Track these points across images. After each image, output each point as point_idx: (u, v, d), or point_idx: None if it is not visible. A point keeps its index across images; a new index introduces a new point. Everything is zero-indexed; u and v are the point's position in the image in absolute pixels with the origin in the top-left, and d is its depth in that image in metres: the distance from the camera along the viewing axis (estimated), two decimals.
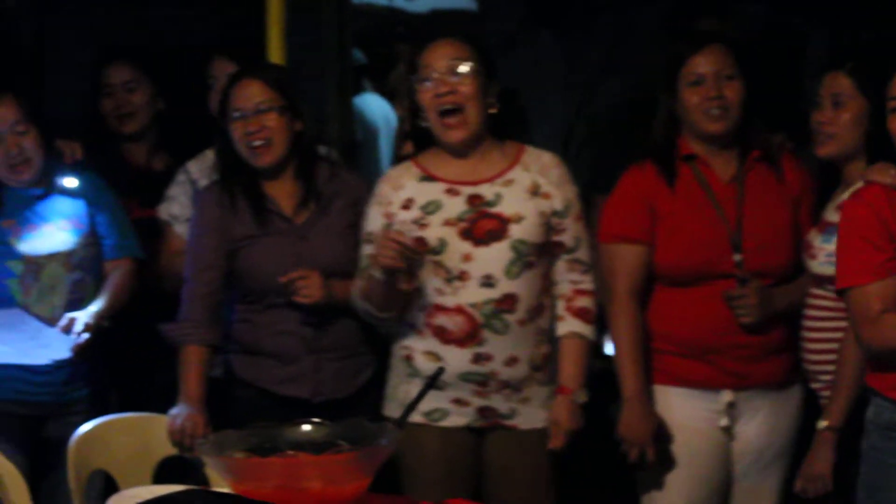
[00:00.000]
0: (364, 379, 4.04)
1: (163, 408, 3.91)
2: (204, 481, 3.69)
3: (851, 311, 3.38)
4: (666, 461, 3.88)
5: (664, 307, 3.88)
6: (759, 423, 3.89)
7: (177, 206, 4.34)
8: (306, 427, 3.05)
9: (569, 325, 3.85)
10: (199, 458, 3.74)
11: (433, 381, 3.26)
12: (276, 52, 4.26)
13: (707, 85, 3.81)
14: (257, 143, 3.90)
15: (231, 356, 4.02)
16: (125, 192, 4.34)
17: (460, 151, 3.79)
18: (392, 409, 3.82)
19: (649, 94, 3.99)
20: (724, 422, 3.86)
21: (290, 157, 3.96)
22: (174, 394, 4.17)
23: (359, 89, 6.44)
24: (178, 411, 3.81)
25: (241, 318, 3.99)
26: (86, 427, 3.69)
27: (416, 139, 3.87)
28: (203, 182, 4.27)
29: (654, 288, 3.90)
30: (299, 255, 3.92)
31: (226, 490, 3.04)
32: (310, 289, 3.84)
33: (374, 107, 6.61)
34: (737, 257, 3.80)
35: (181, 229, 4.29)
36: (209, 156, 4.35)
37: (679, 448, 3.88)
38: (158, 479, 3.71)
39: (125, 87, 4.63)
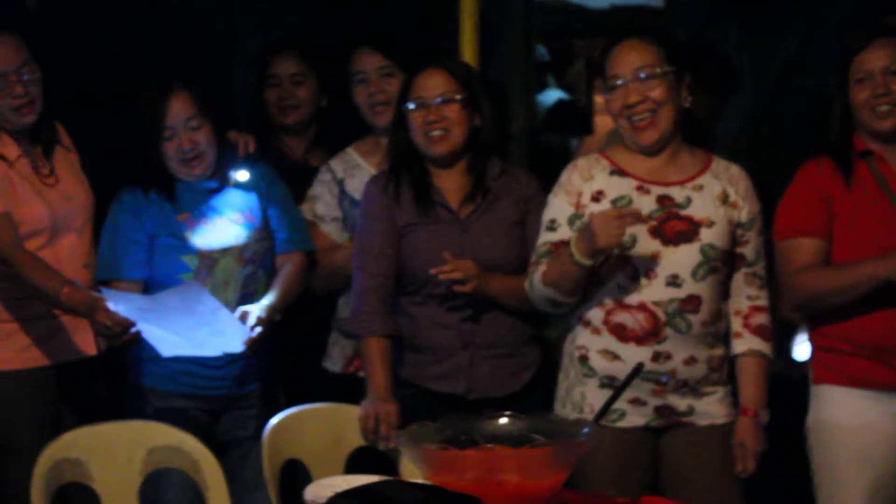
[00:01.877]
0: (525, 380, 4.02)
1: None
2: (394, 472, 3.72)
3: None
4: (841, 464, 3.81)
5: (842, 306, 3.80)
6: None
7: (321, 206, 4.34)
8: (502, 420, 3.05)
9: (747, 343, 3.81)
10: (390, 449, 3.79)
11: (633, 378, 3.23)
12: (468, 46, 4.24)
13: (874, 81, 3.75)
14: (435, 132, 3.91)
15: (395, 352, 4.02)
16: None
17: (651, 151, 3.77)
18: (566, 412, 3.79)
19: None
20: None
21: (465, 150, 3.97)
22: (340, 388, 4.23)
23: (542, 85, 6.43)
24: (368, 402, 3.82)
25: (403, 311, 3.99)
26: (279, 416, 3.73)
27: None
28: (347, 180, 4.29)
29: None
30: (460, 248, 3.91)
31: (422, 481, 3.07)
32: (465, 276, 3.82)
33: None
34: None
35: (327, 228, 4.30)
36: (350, 153, 4.37)
37: (855, 451, 3.81)
38: (350, 469, 3.74)
39: (291, 79, 4.65)
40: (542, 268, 3.75)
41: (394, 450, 3.79)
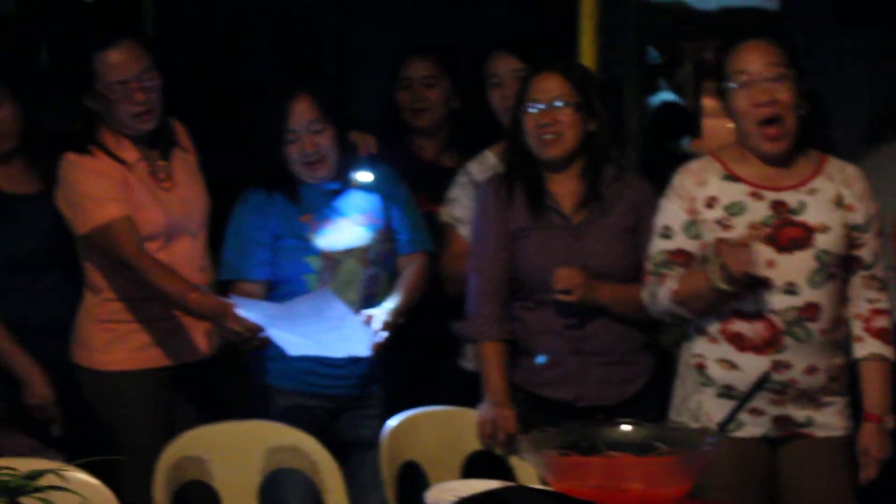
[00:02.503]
0: (636, 388, 3.99)
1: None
2: (511, 476, 3.72)
3: None
4: None
5: None
6: None
7: (459, 209, 4.33)
8: (624, 427, 3.04)
9: (869, 347, 3.74)
10: (507, 453, 3.79)
11: (759, 387, 3.20)
12: (587, 48, 4.22)
13: None
14: (548, 135, 3.89)
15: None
16: (413, 186, 4.38)
17: (775, 160, 3.73)
18: (682, 421, 3.74)
19: None
20: None
21: (578, 155, 3.95)
22: (459, 390, 4.23)
23: (654, 88, 6.40)
24: (487, 406, 3.82)
25: (515, 316, 3.97)
26: (398, 419, 3.74)
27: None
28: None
29: None
30: (572, 254, 3.89)
31: (543, 487, 3.07)
32: (570, 286, 3.81)
33: None
34: None
35: (464, 231, 4.28)
36: (489, 157, 4.36)
37: None
38: (467, 472, 3.75)
39: (424, 81, 4.67)
40: (669, 283, 3.70)
41: (510, 454, 3.78)
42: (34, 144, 4.24)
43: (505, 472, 3.76)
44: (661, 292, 3.72)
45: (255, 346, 3.83)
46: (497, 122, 4.34)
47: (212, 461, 3.54)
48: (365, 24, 6.32)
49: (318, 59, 6.33)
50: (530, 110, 3.90)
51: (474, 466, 3.80)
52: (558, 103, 3.88)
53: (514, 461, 3.79)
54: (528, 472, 3.68)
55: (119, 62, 3.97)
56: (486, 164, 4.32)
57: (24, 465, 2.34)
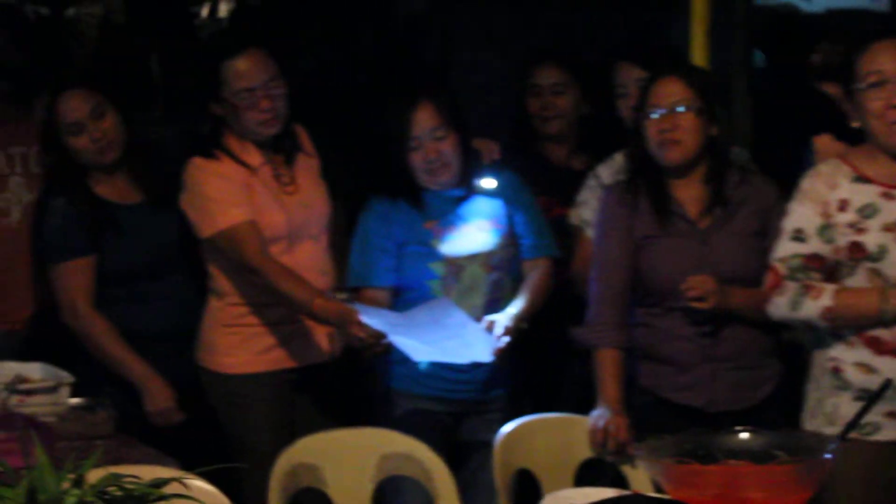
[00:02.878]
0: (765, 392, 3.95)
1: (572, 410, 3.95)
2: (624, 484, 3.69)
3: None
4: None
5: None
6: None
7: (588, 211, 4.32)
8: (743, 435, 3.00)
9: None
10: (620, 461, 3.76)
11: (881, 394, 3.14)
12: (698, 52, 4.19)
13: None
14: (669, 141, 3.86)
15: (630, 361, 3.98)
16: (545, 190, 4.38)
17: None
18: (816, 424, 3.69)
19: None
20: None
21: (700, 160, 3.91)
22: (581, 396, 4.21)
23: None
24: (599, 414, 3.80)
25: (641, 321, 3.96)
26: (510, 426, 3.73)
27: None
28: None
29: None
30: (700, 260, 3.86)
31: (659, 495, 3.03)
32: (703, 291, 3.77)
33: None
34: None
35: (593, 234, 4.27)
36: (618, 159, 4.34)
37: None
38: (579, 480, 3.72)
39: (553, 89, 4.69)
40: (823, 299, 3.61)
41: (623, 462, 3.76)
42: (138, 154, 4.29)
43: (618, 479, 3.74)
44: (809, 304, 3.62)
45: (378, 352, 3.84)
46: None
47: (325, 468, 3.55)
48: (468, 34, 6.33)
49: (427, 66, 6.34)
50: (652, 116, 3.87)
51: (586, 474, 3.79)
52: (679, 108, 3.85)
53: (627, 469, 3.76)
54: (641, 479, 3.66)
55: (246, 70, 4.03)
56: (615, 167, 4.30)
57: (145, 472, 2.35)
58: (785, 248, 3.69)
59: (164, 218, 4.21)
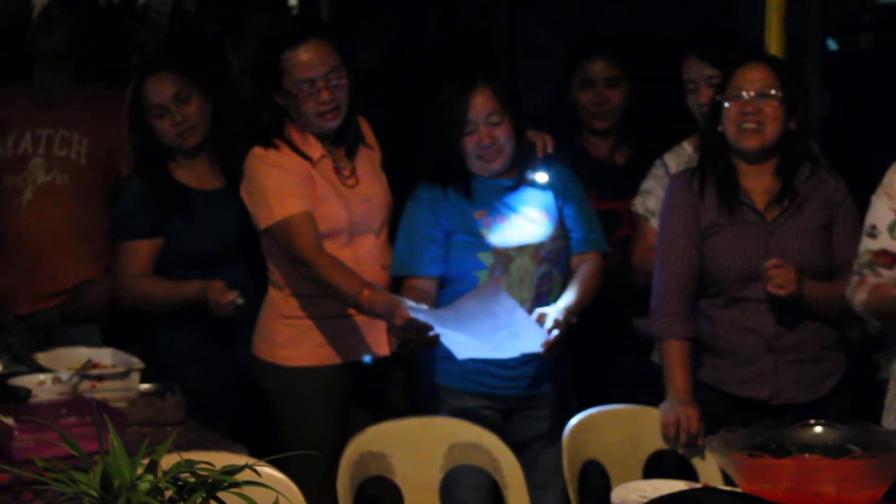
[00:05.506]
0: (829, 386, 3.91)
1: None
2: (693, 476, 3.67)
3: None
4: None
5: None
6: None
7: (653, 201, 4.28)
8: (816, 429, 2.98)
9: None
10: (690, 453, 3.74)
11: None
12: (774, 42, 4.13)
13: None
14: (749, 124, 3.82)
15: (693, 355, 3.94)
16: (585, 183, 4.36)
17: None
18: (891, 420, 3.66)
19: None
20: None
21: (775, 150, 3.87)
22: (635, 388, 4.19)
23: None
24: (669, 405, 3.77)
25: (702, 313, 3.91)
26: (580, 417, 3.72)
27: None
28: None
29: None
30: (766, 251, 3.81)
31: (731, 488, 3.02)
32: (785, 279, 3.74)
33: None
34: None
35: (657, 224, 4.24)
36: (686, 148, 4.30)
37: None
38: (648, 472, 3.71)
39: (606, 82, 4.64)
40: (861, 294, 3.60)
41: (692, 454, 3.73)
42: (218, 141, 4.31)
43: (687, 471, 3.71)
44: (856, 297, 3.64)
45: (425, 345, 3.81)
46: (674, 117, 4.29)
47: (394, 456, 3.56)
48: (536, 21, 6.30)
49: (489, 52, 6.33)
50: (734, 99, 3.81)
51: (655, 465, 3.77)
52: (765, 94, 3.80)
53: (696, 460, 3.73)
54: (711, 471, 3.64)
55: (307, 61, 4.00)
56: (682, 156, 4.26)
57: (216, 459, 2.35)
58: (862, 244, 3.67)
59: (242, 206, 4.21)
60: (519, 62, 6.28)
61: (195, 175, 4.28)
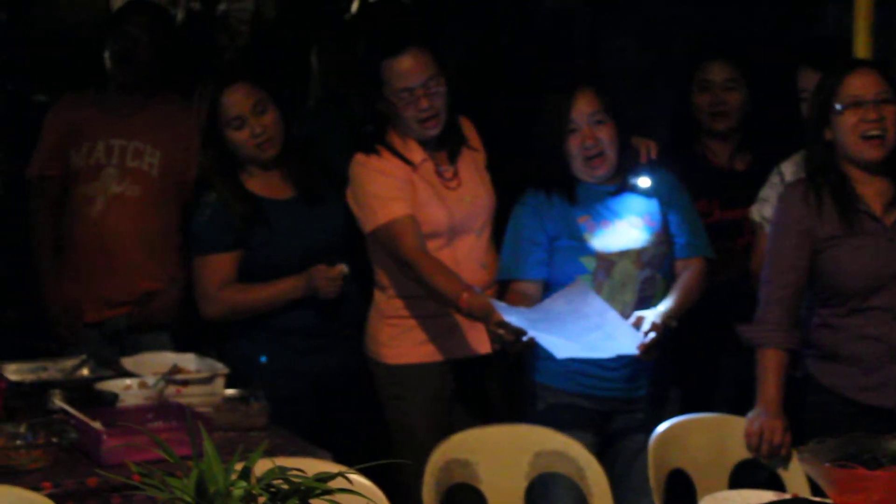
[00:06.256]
0: None
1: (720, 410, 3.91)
2: (780, 486, 3.63)
3: None
4: None
5: None
6: None
7: (769, 209, 4.19)
8: None
9: None
10: (776, 464, 3.70)
11: None
12: (862, 48, 4.06)
13: None
14: (873, 132, 3.74)
15: (809, 360, 3.89)
16: (706, 192, 4.32)
17: None
18: None
19: None
20: None
21: (894, 154, 3.79)
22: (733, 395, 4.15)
23: None
24: (756, 415, 3.73)
25: (822, 322, 3.85)
26: (665, 425, 3.69)
27: None
28: None
29: None
30: (889, 258, 3.75)
31: (821, 499, 2.98)
32: None
33: None
34: None
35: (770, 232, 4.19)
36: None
37: None
38: (734, 482, 3.67)
39: (723, 85, 4.61)
40: None
41: (779, 464, 3.70)
42: (294, 150, 4.32)
43: (774, 481, 3.68)
44: None
45: (520, 348, 3.82)
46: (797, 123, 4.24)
47: (479, 464, 3.55)
48: (618, 27, 6.27)
49: (569, 58, 6.31)
50: (853, 107, 3.74)
51: (742, 475, 3.73)
52: (884, 100, 3.73)
53: (783, 471, 3.70)
54: (798, 481, 3.60)
55: (405, 70, 4.06)
56: (799, 164, 4.20)
57: (305, 465, 2.36)
58: None
59: (316, 214, 4.23)
60: (601, 70, 6.26)
61: (267, 185, 4.28)
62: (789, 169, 4.24)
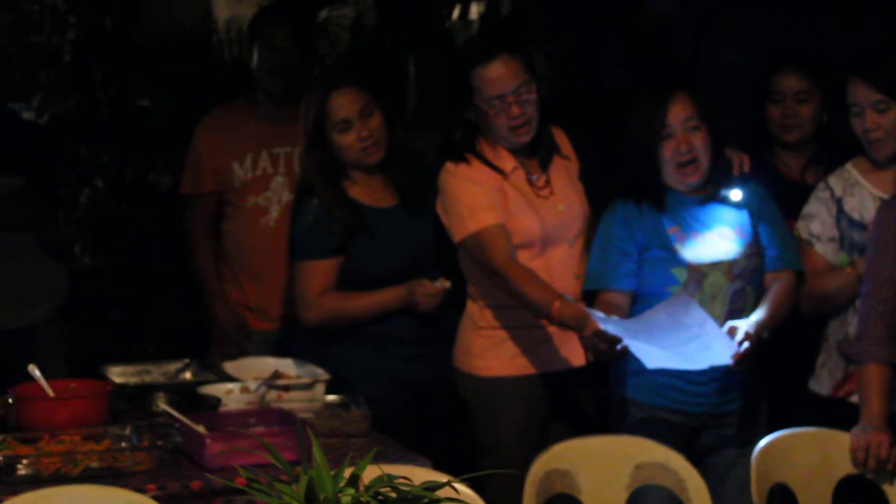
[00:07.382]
0: None
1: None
2: (885, 503, 3.59)
3: None
4: None
5: None
6: None
7: (817, 224, 4.16)
8: None
9: None
10: (881, 479, 3.65)
11: None
12: None
13: None
14: None
15: None
16: (777, 204, 4.27)
17: None
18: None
19: None
20: None
21: None
22: (827, 411, 4.10)
23: None
24: (861, 430, 3.68)
25: None
26: (769, 439, 3.66)
27: None
28: (846, 198, 4.12)
29: None
30: None
31: None
32: None
33: None
34: None
35: (821, 248, 4.11)
36: (850, 171, 4.17)
37: None
38: (837, 497, 3.63)
39: (796, 96, 4.55)
40: None
41: (884, 479, 3.65)
42: (396, 157, 4.32)
43: (878, 497, 3.63)
44: None
45: (614, 357, 3.80)
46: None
47: (580, 474, 3.54)
48: (720, 39, 6.24)
49: (672, 67, 6.28)
50: None
51: (846, 490, 3.69)
52: None
53: (887, 486, 3.65)
54: None
55: (496, 78, 4.04)
56: (847, 180, 4.16)
57: (411, 473, 2.36)
58: None
59: (418, 222, 4.23)
60: (703, 81, 6.22)
61: (369, 192, 4.27)
62: (837, 183, 4.15)
